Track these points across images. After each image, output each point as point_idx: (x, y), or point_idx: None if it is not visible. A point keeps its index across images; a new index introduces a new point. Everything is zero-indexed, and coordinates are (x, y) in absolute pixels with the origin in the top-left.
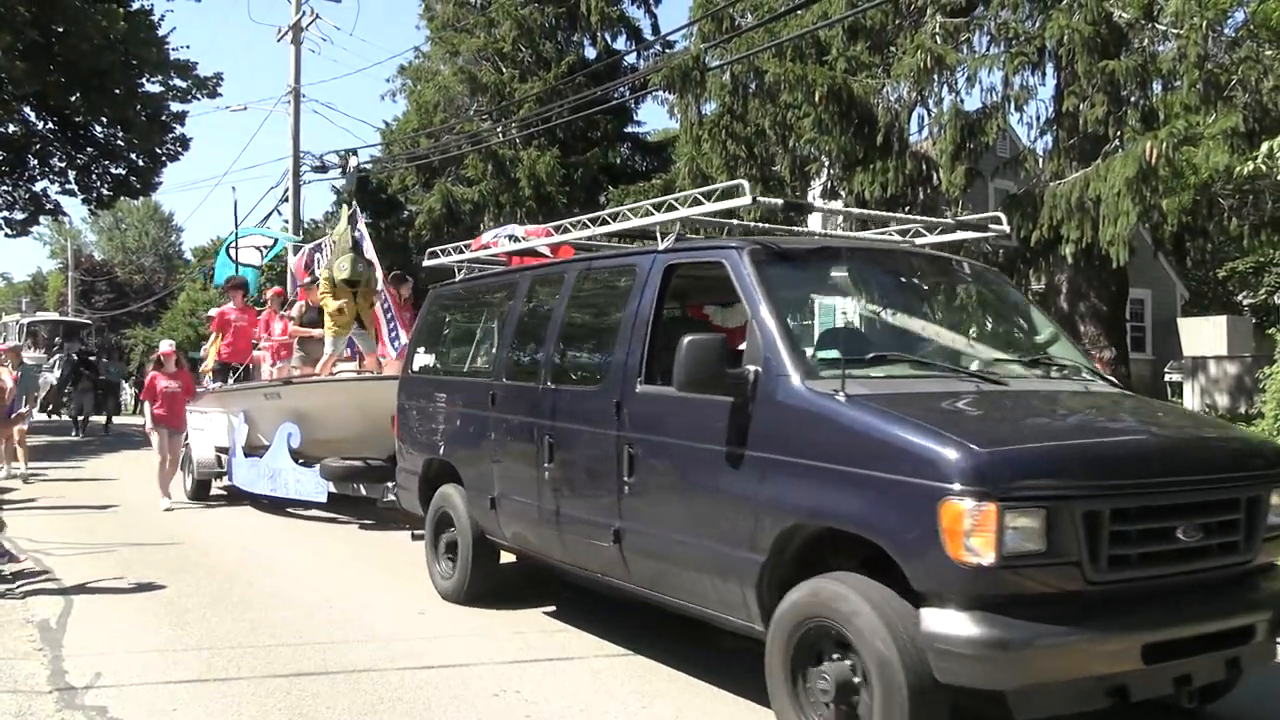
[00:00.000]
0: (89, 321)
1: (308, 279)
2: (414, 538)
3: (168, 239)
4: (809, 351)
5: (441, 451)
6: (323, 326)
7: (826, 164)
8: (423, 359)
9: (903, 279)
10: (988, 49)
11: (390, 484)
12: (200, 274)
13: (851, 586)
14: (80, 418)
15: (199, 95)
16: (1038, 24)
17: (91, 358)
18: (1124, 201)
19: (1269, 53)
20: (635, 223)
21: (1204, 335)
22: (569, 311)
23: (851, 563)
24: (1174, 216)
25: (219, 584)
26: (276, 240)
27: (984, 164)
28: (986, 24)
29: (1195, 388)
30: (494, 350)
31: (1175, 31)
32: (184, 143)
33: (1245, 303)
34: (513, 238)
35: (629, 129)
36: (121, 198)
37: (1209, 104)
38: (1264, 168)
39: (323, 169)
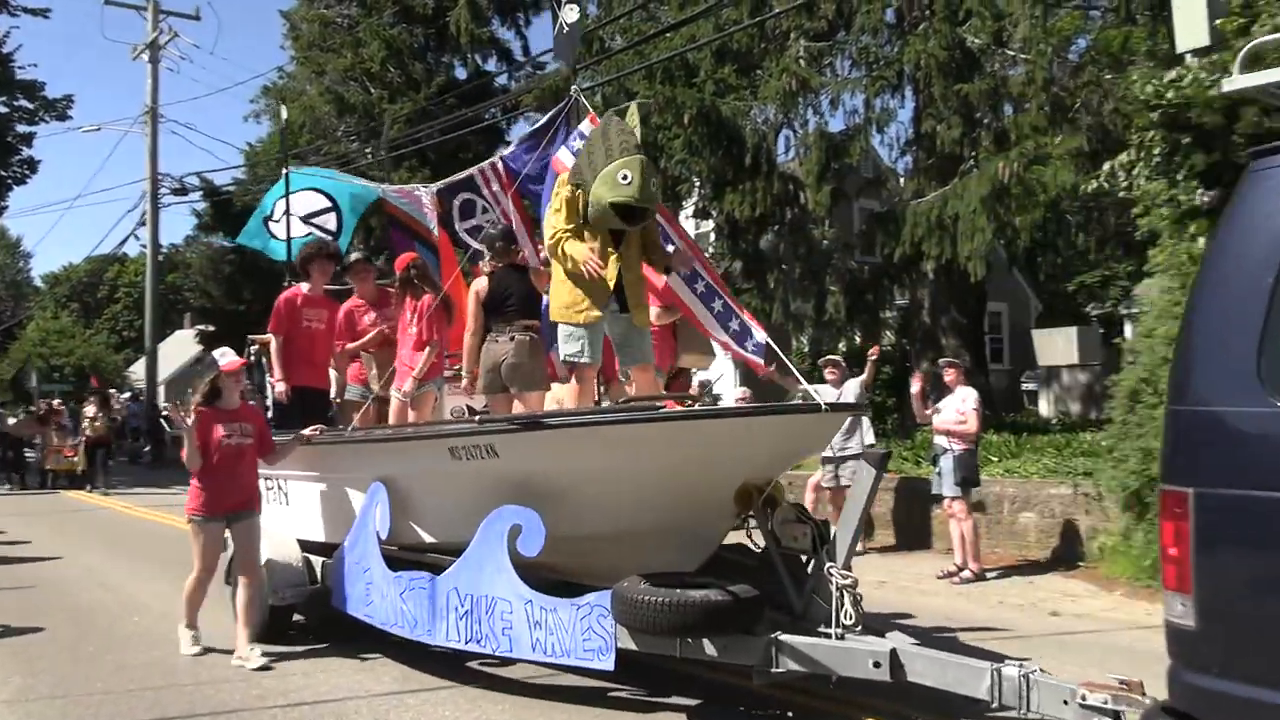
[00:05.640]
0: None
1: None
2: None
3: (15, 265)
4: None
5: None
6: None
7: (697, 184)
8: None
9: None
10: (849, 72)
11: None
12: (52, 300)
13: None
14: None
15: (47, 118)
16: (896, 49)
17: None
18: (979, 219)
19: (1108, 77)
20: None
21: (1056, 346)
22: None
23: None
24: (1026, 233)
25: None
26: (337, 205)
27: (849, 183)
28: (848, 48)
29: (1049, 396)
30: None
31: (1024, 56)
32: (32, 165)
33: (1094, 314)
34: None
35: (500, 150)
36: None
37: (1055, 125)
38: (1106, 186)
39: (183, 191)
